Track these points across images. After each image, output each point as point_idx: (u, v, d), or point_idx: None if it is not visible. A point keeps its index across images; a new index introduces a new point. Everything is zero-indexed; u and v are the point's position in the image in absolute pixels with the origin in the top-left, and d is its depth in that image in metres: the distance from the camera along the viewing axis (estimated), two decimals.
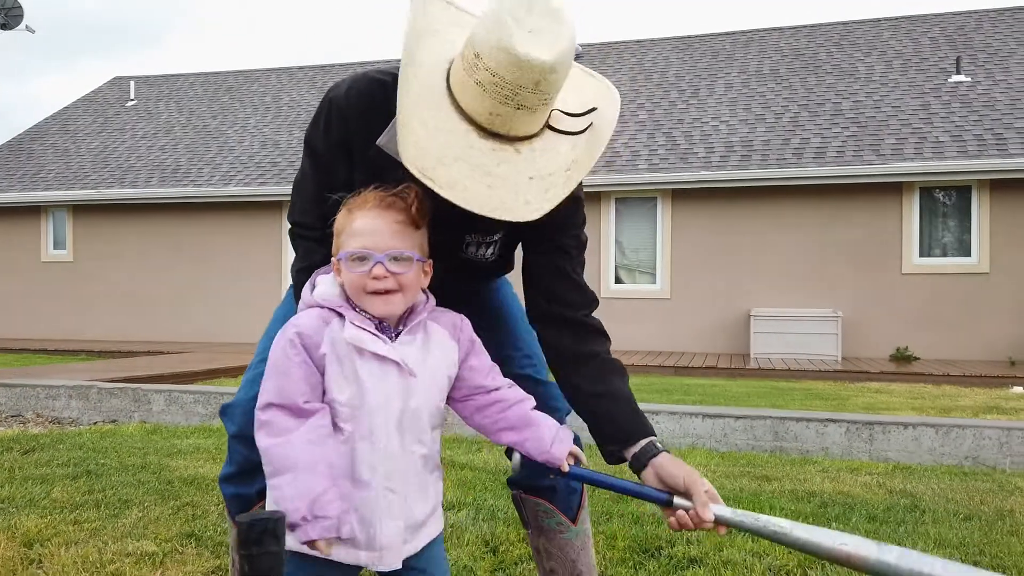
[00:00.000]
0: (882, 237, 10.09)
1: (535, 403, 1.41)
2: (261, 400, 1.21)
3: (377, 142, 1.37)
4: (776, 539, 1.31)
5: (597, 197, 11.04)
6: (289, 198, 1.63)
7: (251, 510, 1.58)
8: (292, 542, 1.18)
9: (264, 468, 1.20)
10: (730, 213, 10.67)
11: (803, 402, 6.21)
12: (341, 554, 1.21)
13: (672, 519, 1.33)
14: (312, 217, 1.49)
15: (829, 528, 2.56)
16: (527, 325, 1.73)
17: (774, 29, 14.48)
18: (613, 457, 1.44)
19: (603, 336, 1.52)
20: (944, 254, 10.08)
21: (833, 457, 4.02)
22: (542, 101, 1.20)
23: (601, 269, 11.05)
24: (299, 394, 1.20)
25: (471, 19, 1.30)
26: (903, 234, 10.07)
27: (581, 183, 1.51)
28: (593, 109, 1.31)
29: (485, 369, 1.39)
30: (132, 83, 16.71)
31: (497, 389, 1.39)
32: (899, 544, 2.37)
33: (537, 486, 1.65)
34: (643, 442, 1.40)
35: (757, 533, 1.32)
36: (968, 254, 9.95)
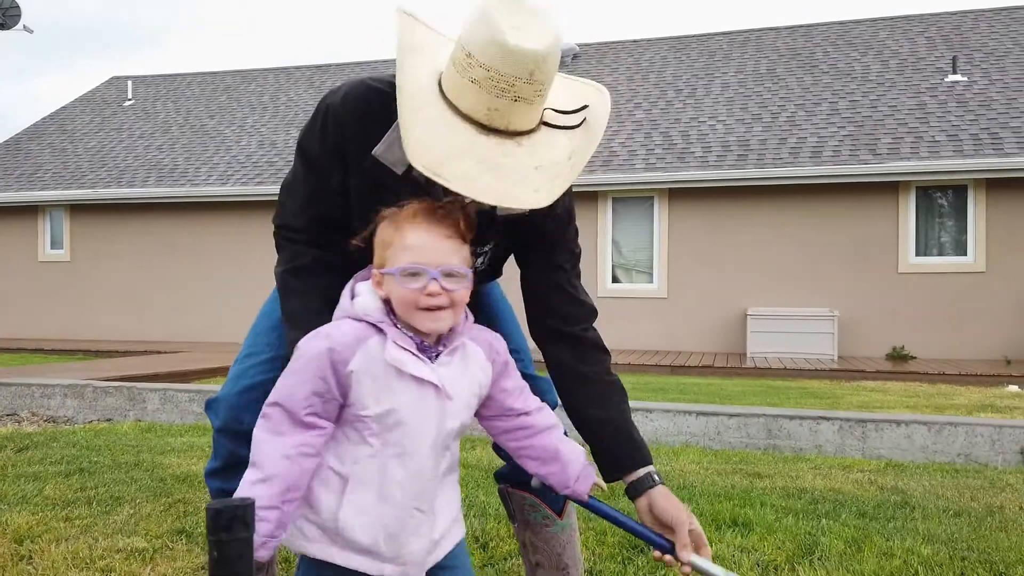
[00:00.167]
0: (878, 236, 10.11)
1: (563, 429, 1.40)
2: (272, 395, 1.22)
3: (373, 152, 1.39)
4: None
5: (594, 196, 11.05)
6: None
7: None
8: (315, 550, 1.21)
9: (251, 453, 1.22)
10: (727, 212, 10.68)
11: (798, 400, 6.22)
12: (365, 564, 1.21)
13: (657, 552, 1.40)
14: (302, 221, 1.50)
15: (820, 523, 2.58)
16: (515, 320, 1.74)
17: (771, 29, 14.50)
18: (611, 478, 1.47)
19: (602, 352, 1.54)
20: (940, 253, 10.09)
21: (826, 455, 4.03)
22: (537, 93, 1.22)
23: (598, 269, 11.06)
24: (304, 406, 1.19)
25: (449, 41, 1.32)
26: (899, 233, 10.08)
27: (573, 196, 1.54)
28: (585, 107, 1.33)
29: (516, 391, 1.37)
30: (130, 83, 16.71)
31: (527, 413, 1.37)
32: (888, 540, 2.39)
33: (523, 480, 1.66)
34: (641, 472, 1.43)
35: None
36: (964, 253, 9.97)
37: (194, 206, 12.60)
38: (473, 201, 1.29)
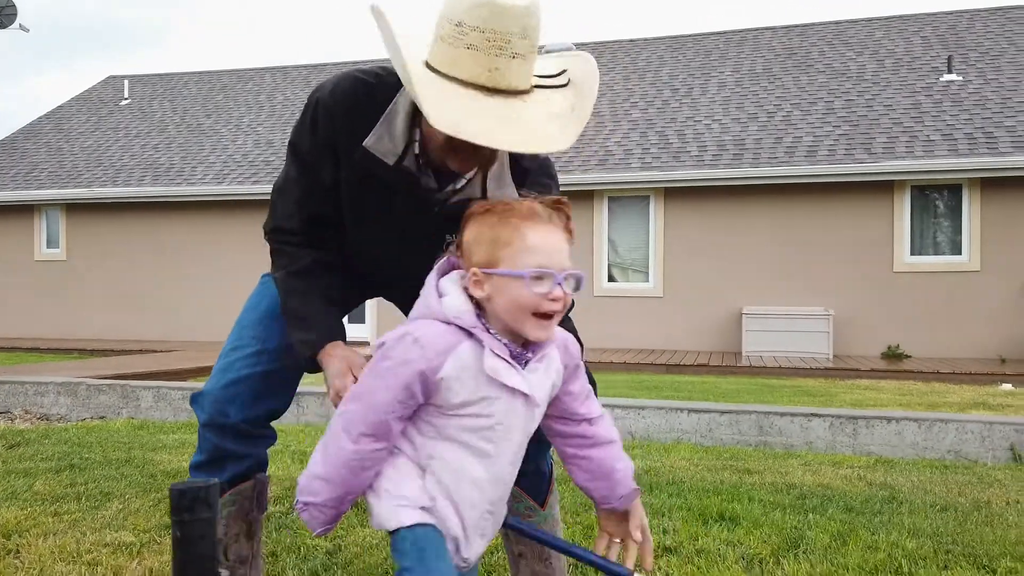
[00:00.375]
0: (873, 235, 10.13)
1: (620, 444, 1.38)
2: (355, 389, 1.21)
3: (364, 143, 1.40)
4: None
5: (590, 195, 11.06)
6: None
7: (221, 498, 1.60)
8: (415, 518, 1.18)
9: (325, 435, 1.21)
10: (722, 211, 10.70)
11: (791, 399, 6.23)
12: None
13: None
14: (296, 222, 1.51)
15: (807, 518, 2.59)
16: None
17: (767, 28, 14.52)
18: None
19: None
20: (935, 252, 10.11)
21: (817, 451, 4.04)
22: (531, 48, 1.27)
23: (594, 267, 11.07)
24: (385, 410, 1.16)
25: (414, 36, 1.35)
26: (894, 232, 10.10)
27: (560, 186, 1.57)
28: (564, 71, 1.38)
29: (582, 395, 1.34)
30: (126, 82, 16.70)
31: (588, 420, 1.34)
32: (873, 534, 2.40)
33: None
34: None
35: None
36: (959, 252, 9.99)
37: (190, 205, 12.59)
38: (472, 178, 1.37)
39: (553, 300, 1.15)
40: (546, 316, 1.16)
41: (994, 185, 9.77)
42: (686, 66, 13.64)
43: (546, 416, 1.32)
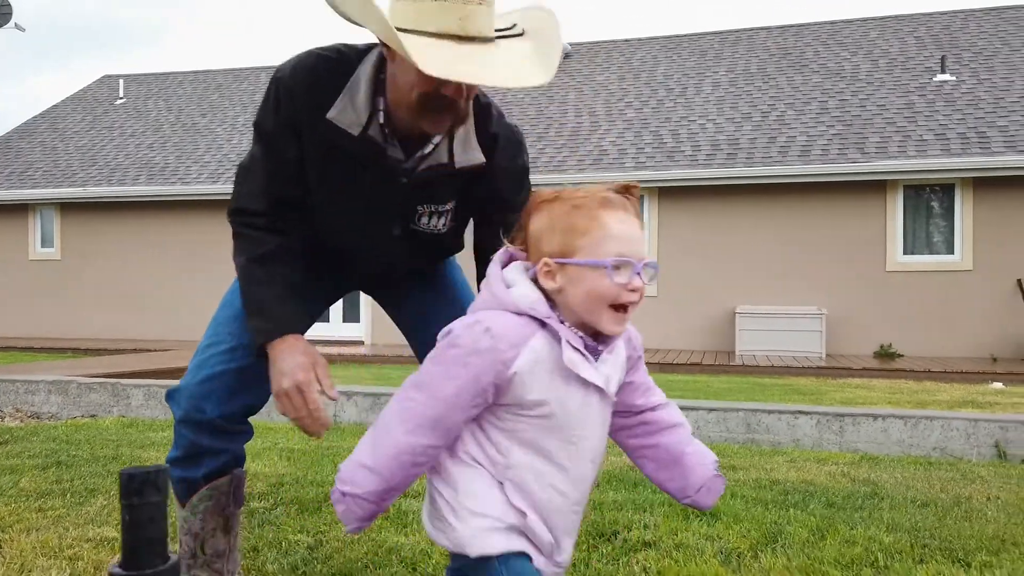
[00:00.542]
0: (866, 235, 10.15)
1: (689, 429, 1.32)
2: (418, 376, 1.12)
3: (328, 115, 1.41)
4: None
5: None
6: None
7: (195, 494, 1.61)
8: (504, 543, 1.10)
9: (376, 423, 1.14)
10: (716, 211, 10.72)
11: (782, 397, 6.25)
12: (540, 562, 1.14)
13: None
14: (261, 203, 1.51)
15: (788, 513, 2.60)
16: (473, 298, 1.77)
17: (762, 28, 14.54)
18: None
19: None
20: (928, 252, 10.15)
21: (804, 448, 4.06)
22: None
23: None
24: (451, 403, 1.08)
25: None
26: (887, 232, 10.13)
27: (528, 156, 1.58)
28: (514, 24, 1.40)
29: (643, 387, 1.29)
30: (121, 81, 16.69)
31: (651, 409, 1.29)
32: (852, 528, 2.41)
33: None
34: None
35: None
36: (951, 252, 10.02)
37: (185, 204, 12.59)
38: (439, 143, 1.40)
39: (632, 291, 1.09)
40: (623, 308, 1.10)
41: (986, 185, 9.81)
42: (681, 66, 13.67)
43: None
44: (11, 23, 15.58)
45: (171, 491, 1.65)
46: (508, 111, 13.14)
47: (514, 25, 1.38)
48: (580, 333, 1.12)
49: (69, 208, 13.21)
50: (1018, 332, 9.52)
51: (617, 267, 1.08)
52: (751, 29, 14.60)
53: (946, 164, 9.64)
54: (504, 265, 1.18)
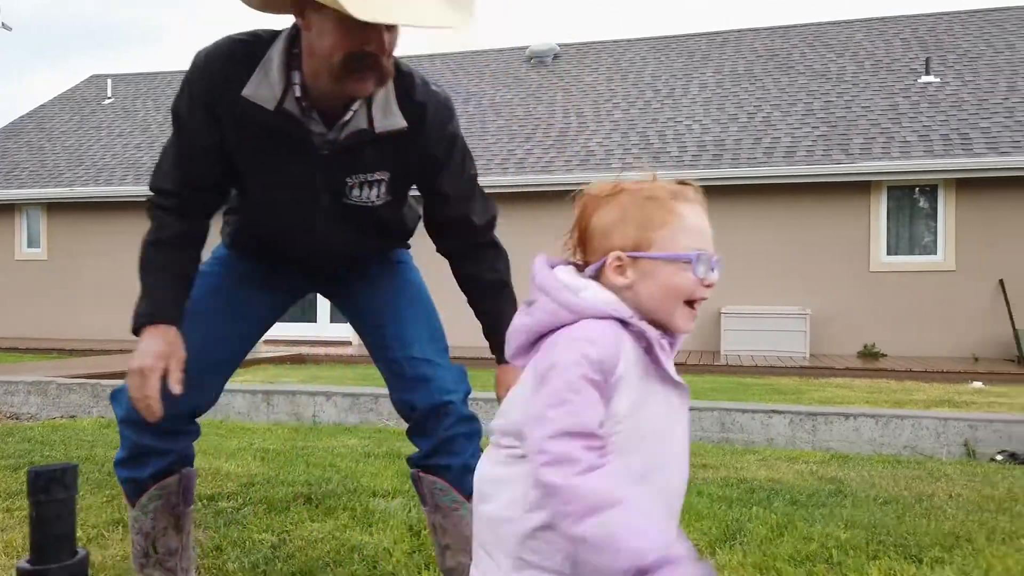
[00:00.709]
0: (851, 235, 10.22)
1: None
2: (551, 429, 0.95)
3: (243, 92, 1.44)
4: None
5: (569, 196, 11.09)
6: None
7: (144, 494, 1.62)
8: None
9: (562, 507, 0.93)
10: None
11: (762, 397, 6.29)
12: None
13: None
14: (172, 183, 1.55)
15: (750, 511, 2.63)
16: (431, 307, 1.79)
17: (749, 30, 14.61)
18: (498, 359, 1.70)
19: (492, 251, 1.70)
20: (911, 252, 10.21)
21: (777, 447, 4.10)
22: None
23: None
24: (596, 421, 0.97)
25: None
26: (871, 232, 10.20)
27: (455, 118, 1.60)
28: None
29: None
30: (109, 81, 16.64)
31: None
32: (811, 525, 2.45)
33: (433, 465, 1.70)
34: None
35: None
36: (935, 252, 10.09)
37: None
38: (357, 110, 1.43)
39: (707, 286, 1.05)
40: (693, 304, 1.06)
41: (969, 186, 9.88)
42: (669, 67, 13.72)
43: None
44: None
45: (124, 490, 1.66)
46: (496, 113, 13.20)
47: None
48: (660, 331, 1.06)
49: (56, 208, 13.16)
50: (1000, 332, 9.59)
51: (697, 261, 1.05)
52: (739, 30, 14.66)
53: (929, 165, 9.71)
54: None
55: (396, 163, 1.55)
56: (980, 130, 10.17)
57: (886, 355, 9.78)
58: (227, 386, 1.73)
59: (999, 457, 3.79)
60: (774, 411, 4.19)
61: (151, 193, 1.57)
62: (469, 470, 1.69)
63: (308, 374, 8.03)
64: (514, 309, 1.64)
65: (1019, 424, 3.92)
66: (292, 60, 1.43)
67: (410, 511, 2.62)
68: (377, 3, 1.24)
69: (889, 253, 10.20)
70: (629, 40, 15.20)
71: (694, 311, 1.06)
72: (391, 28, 1.35)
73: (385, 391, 1.78)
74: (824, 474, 3.31)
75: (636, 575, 0.87)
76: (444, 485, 1.71)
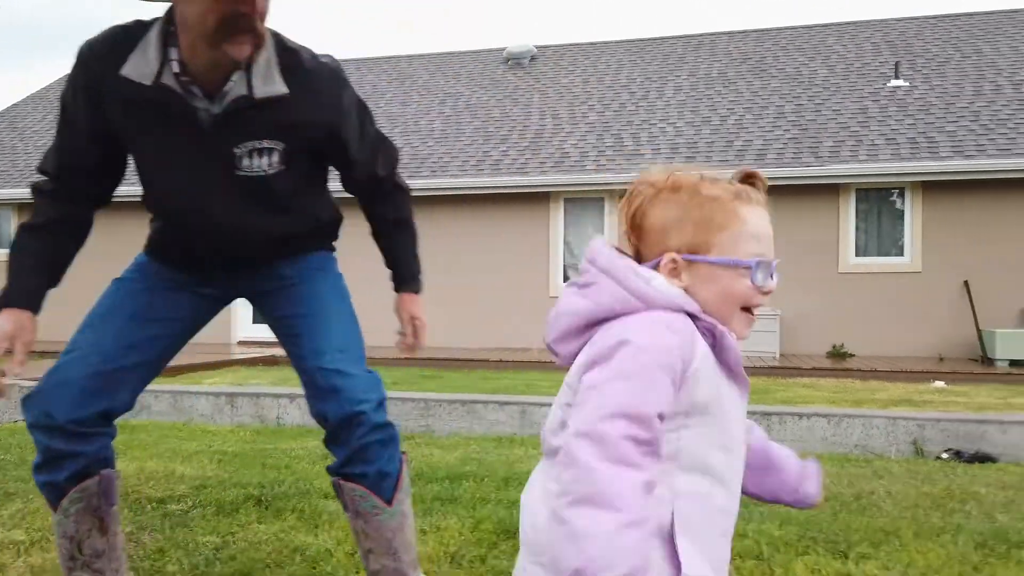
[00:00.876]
0: (820, 237, 10.36)
1: (760, 430, 1.19)
2: (607, 403, 0.89)
3: (121, 71, 1.49)
4: None
5: (546, 197, 11.16)
6: None
7: (64, 498, 1.63)
8: None
9: (571, 482, 0.88)
10: None
11: None
12: None
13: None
14: (51, 166, 1.65)
15: None
16: (348, 315, 1.80)
17: (724, 33, 14.76)
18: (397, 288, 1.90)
19: (399, 194, 1.84)
20: (879, 254, 10.38)
21: None
22: None
23: (550, 269, 11.17)
24: (656, 409, 0.90)
25: None
26: (840, 234, 10.35)
27: (350, 87, 1.66)
28: None
29: None
30: None
31: None
32: (747, 523, 2.51)
33: (349, 473, 1.70)
34: (405, 287, 1.90)
35: None
36: (902, 254, 10.26)
37: None
38: (237, 80, 1.48)
39: (765, 293, 1.01)
40: (750, 311, 1.02)
41: (935, 188, 10.06)
42: (644, 69, 13.82)
43: None
44: None
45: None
46: (472, 114, 13.22)
47: None
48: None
49: (27, 209, 13.01)
50: (964, 332, 9.77)
51: (757, 268, 1.00)
52: (714, 34, 14.80)
53: (897, 168, 9.87)
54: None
55: (289, 133, 1.57)
56: (946, 133, 10.35)
57: (854, 355, 9.93)
58: (191, 388, 1.76)
59: (944, 455, 3.88)
60: None
61: (38, 174, 1.65)
62: (384, 476, 1.71)
63: (279, 376, 8.01)
64: (412, 242, 1.88)
65: (965, 423, 4.02)
66: (169, 37, 1.49)
67: None
68: None
69: (858, 254, 10.35)
70: (606, 42, 15.30)
71: (752, 316, 1.02)
72: None
73: None
74: None
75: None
76: (364, 492, 1.70)
